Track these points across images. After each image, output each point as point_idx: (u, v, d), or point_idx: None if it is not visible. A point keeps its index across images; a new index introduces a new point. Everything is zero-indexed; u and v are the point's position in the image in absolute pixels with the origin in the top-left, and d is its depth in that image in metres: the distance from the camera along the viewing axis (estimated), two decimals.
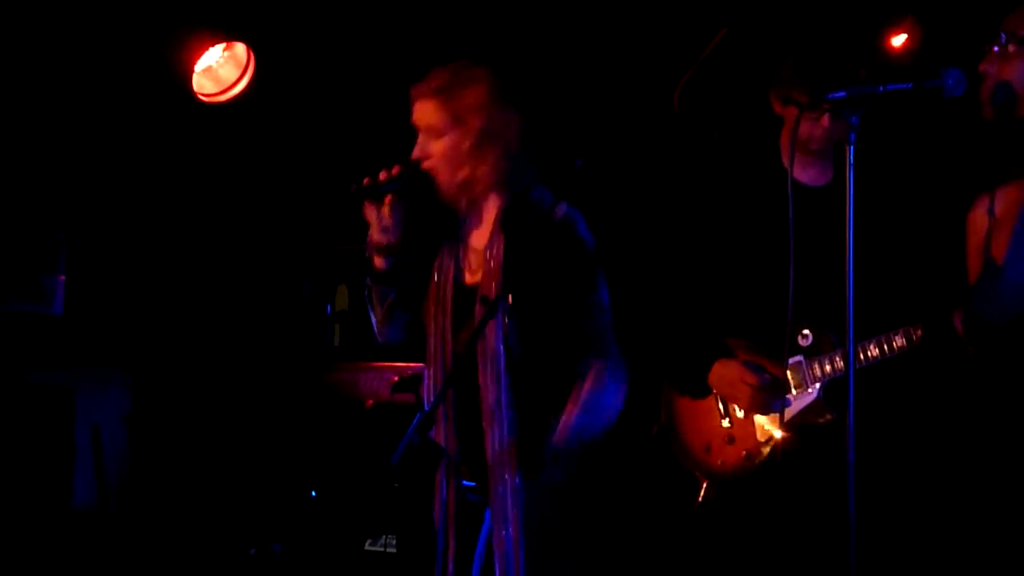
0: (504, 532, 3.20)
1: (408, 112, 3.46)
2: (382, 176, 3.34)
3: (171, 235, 5.87)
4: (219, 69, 4.97)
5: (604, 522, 3.45)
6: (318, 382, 5.61)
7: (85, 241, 5.75)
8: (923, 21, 4.65)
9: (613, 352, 3.41)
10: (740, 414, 3.71)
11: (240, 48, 4.97)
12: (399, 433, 2.89)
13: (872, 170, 3.23)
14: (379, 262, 3.40)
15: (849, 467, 2.79)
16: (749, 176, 3.79)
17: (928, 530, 4.13)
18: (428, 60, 3.42)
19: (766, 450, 3.66)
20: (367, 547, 5.21)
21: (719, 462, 3.73)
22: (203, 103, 4.97)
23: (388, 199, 3.34)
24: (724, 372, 3.69)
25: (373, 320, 3.51)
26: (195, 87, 4.89)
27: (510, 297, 3.19)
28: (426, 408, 3.34)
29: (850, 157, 2.85)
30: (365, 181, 3.35)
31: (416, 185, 3.37)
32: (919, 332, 3.42)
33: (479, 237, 3.43)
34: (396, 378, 5.21)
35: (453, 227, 3.47)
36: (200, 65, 4.86)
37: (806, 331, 3.62)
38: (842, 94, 2.89)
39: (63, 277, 5.69)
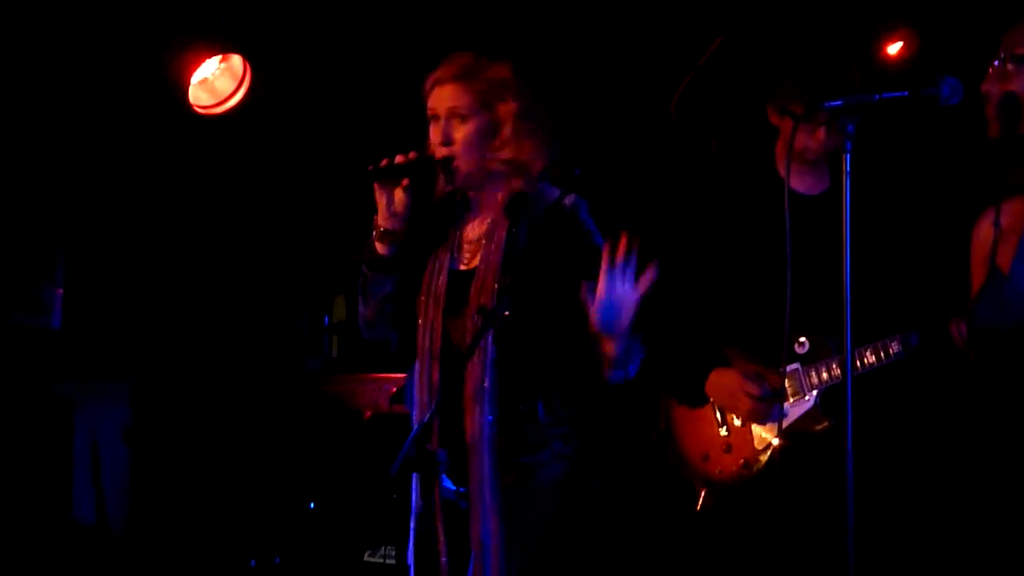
0: (482, 526, 3.18)
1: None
2: (399, 159, 3.31)
3: (169, 247, 5.87)
4: (215, 81, 4.97)
5: (597, 529, 3.43)
6: (316, 393, 5.61)
7: (83, 254, 5.75)
8: (920, 29, 4.66)
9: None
10: (737, 423, 3.72)
11: (236, 60, 4.97)
12: (397, 444, 2.88)
13: (867, 179, 3.24)
14: (381, 248, 3.36)
15: (848, 475, 2.79)
16: (746, 184, 3.79)
17: (926, 537, 4.13)
18: (422, 72, 3.41)
19: (764, 458, 3.67)
20: (366, 558, 5.21)
21: (717, 470, 3.73)
22: (199, 115, 4.97)
23: (405, 182, 3.32)
24: (721, 381, 3.69)
25: (362, 313, 3.45)
26: (191, 99, 4.89)
27: (507, 311, 3.17)
28: (413, 398, 3.34)
29: (846, 165, 2.85)
30: (383, 162, 3.32)
31: (429, 172, 3.35)
32: (914, 339, 3.44)
33: (476, 227, 3.42)
34: (394, 389, 5.22)
35: (450, 219, 3.45)
36: (196, 77, 4.86)
37: (802, 339, 3.62)
38: (838, 102, 2.90)
39: (61, 290, 5.69)
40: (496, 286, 3.23)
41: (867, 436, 3.02)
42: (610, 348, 3.10)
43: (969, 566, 3.50)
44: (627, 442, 4.51)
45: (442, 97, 3.33)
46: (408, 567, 3.35)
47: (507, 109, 3.32)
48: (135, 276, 5.83)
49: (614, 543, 4.85)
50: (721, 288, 3.76)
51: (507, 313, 3.15)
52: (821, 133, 3.60)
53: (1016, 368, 3.24)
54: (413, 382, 3.38)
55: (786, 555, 3.56)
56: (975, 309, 3.26)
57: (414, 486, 3.31)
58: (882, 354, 3.46)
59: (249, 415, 5.83)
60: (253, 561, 5.47)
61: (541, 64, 3.64)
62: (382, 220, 3.34)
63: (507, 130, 3.32)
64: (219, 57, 4.91)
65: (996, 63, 3.25)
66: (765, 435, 3.67)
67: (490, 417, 3.20)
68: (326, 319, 6.26)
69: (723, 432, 3.74)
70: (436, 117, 3.33)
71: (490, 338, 3.22)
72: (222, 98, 5.00)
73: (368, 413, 5.36)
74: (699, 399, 3.77)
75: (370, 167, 3.30)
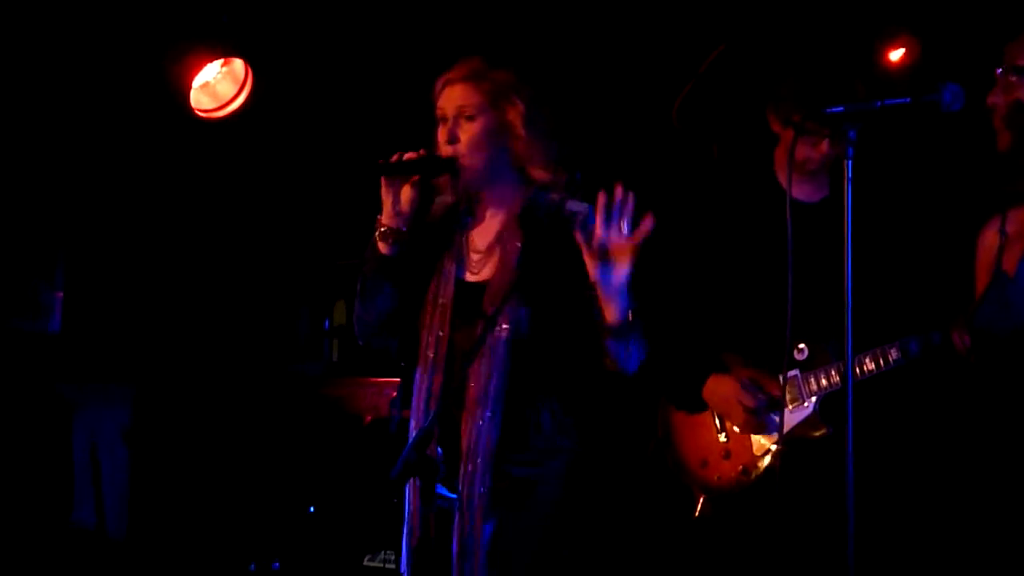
0: (468, 524, 3.18)
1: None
2: (409, 155, 3.28)
3: (169, 251, 5.87)
4: (217, 85, 4.97)
5: (597, 530, 3.43)
6: (316, 397, 5.61)
7: (83, 258, 5.76)
8: (921, 36, 4.67)
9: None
10: (736, 429, 3.72)
11: (238, 64, 4.97)
12: (398, 448, 2.88)
13: (868, 186, 3.24)
14: (384, 247, 3.34)
15: (848, 481, 2.79)
16: (746, 190, 3.80)
17: (926, 544, 4.13)
18: (424, 77, 3.42)
19: (762, 464, 3.67)
20: (366, 563, 5.20)
21: (716, 477, 3.73)
22: (201, 119, 4.97)
23: (415, 179, 3.31)
24: (719, 388, 3.69)
25: (360, 317, 3.42)
26: (193, 103, 4.89)
27: (508, 318, 3.17)
28: (412, 405, 3.33)
29: (848, 172, 2.85)
30: (394, 157, 3.32)
31: (436, 173, 3.35)
32: (914, 346, 3.44)
33: (482, 235, 3.41)
34: (395, 393, 5.21)
35: (455, 226, 3.45)
36: (198, 81, 4.86)
37: (802, 345, 3.62)
38: (840, 109, 2.90)
39: (61, 294, 5.69)
40: (509, 299, 3.21)
41: (866, 442, 3.02)
42: (609, 312, 3.09)
43: (970, 572, 3.49)
44: (625, 448, 4.51)
45: (452, 97, 3.33)
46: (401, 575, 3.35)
47: (513, 111, 3.33)
48: (135, 280, 5.84)
49: (612, 549, 4.85)
50: (721, 294, 3.76)
51: (506, 326, 3.17)
52: (824, 146, 3.61)
53: (1016, 372, 3.25)
54: (413, 389, 3.37)
55: (785, 562, 3.56)
56: (978, 310, 3.28)
57: (408, 492, 3.30)
58: (881, 361, 3.47)
59: (249, 418, 5.82)
60: (253, 565, 5.47)
61: (546, 69, 3.65)
62: (387, 218, 3.32)
63: (513, 132, 3.32)
64: (220, 61, 4.92)
65: (999, 75, 3.27)
66: (764, 441, 3.67)
67: (490, 415, 3.20)
68: (326, 323, 6.26)
69: (722, 438, 3.74)
70: (444, 118, 3.34)
71: (501, 342, 3.22)
72: (223, 102, 5.00)
73: (368, 417, 5.36)
74: (698, 405, 3.77)
75: (380, 161, 3.29)
